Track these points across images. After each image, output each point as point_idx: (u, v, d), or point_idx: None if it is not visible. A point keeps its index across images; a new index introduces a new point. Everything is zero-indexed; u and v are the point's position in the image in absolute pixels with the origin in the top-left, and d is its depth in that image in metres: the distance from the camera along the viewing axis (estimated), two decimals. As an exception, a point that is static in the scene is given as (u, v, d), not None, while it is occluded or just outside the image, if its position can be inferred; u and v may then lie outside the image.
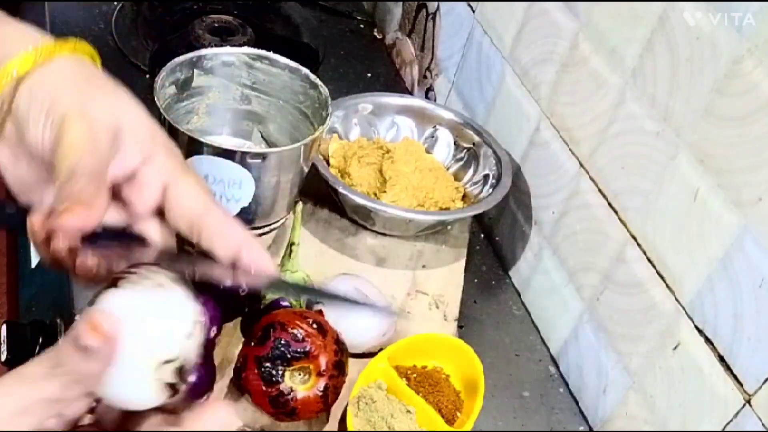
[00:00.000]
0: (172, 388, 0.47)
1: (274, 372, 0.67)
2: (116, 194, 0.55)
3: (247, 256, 0.53)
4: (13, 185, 0.56)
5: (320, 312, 0.75)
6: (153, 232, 0.54)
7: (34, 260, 1.03)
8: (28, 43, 0.53)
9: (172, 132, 0.73)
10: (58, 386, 0.43)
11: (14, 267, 1.20)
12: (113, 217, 0.53)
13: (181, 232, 0.54)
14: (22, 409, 0.43)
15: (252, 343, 0.70)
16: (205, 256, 0.53)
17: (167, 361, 0.46)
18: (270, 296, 0.76)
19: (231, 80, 0.83)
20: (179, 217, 0.54)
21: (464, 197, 0.95)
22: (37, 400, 0.43)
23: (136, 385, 0.46)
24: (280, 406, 0.68)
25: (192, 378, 0.48)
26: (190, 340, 0.47)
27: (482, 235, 1.00)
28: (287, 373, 0.68)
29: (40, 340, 0.86)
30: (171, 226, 0.54)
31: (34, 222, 0.50)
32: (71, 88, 0.52)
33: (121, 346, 0.44)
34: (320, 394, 0.68)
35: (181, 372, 0.47)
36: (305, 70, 0.82)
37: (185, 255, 0.54)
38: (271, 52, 0.82)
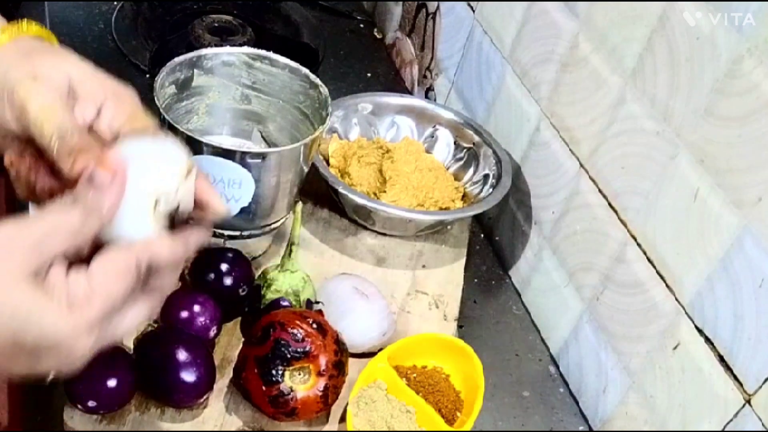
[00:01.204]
0: (170, 227, 0.52)
1: (274, 372, 0.67)
2: None
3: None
4: None
5: (320, 312, 0.75)
6: None
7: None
8: None
9: (172, 132, 0.73)
10: (78, 217, 0.48)
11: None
12: None
13: None
14: (48, 232, 0.47)
15: (252, 343, 0.70)
16: None
17: (165, 198, 0.51)
18: (270, 296, 0.76)
19: (231, 80, 0.83)
20: None
21: (464, 197, 0.95)
22: (60, 225, 0.47)
23: (138, 223, 0.50)
24: (280, 406, 0.68)
25: (185, 217, 0.53)
26: (186, 183, 0.52)
27: (482, 235, 1.00)
28: (287, 373, 0.68)
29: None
30: None
31: (11, 160, 0.56)
32: (16, 63, 0.55)
33: (127, 182, 0.49)
34: (320, 394, 0.68)
35: (177, 211, 0.52)
36: (305, 70, 0.81)
37: None
38: (271, 52, 0.82)
